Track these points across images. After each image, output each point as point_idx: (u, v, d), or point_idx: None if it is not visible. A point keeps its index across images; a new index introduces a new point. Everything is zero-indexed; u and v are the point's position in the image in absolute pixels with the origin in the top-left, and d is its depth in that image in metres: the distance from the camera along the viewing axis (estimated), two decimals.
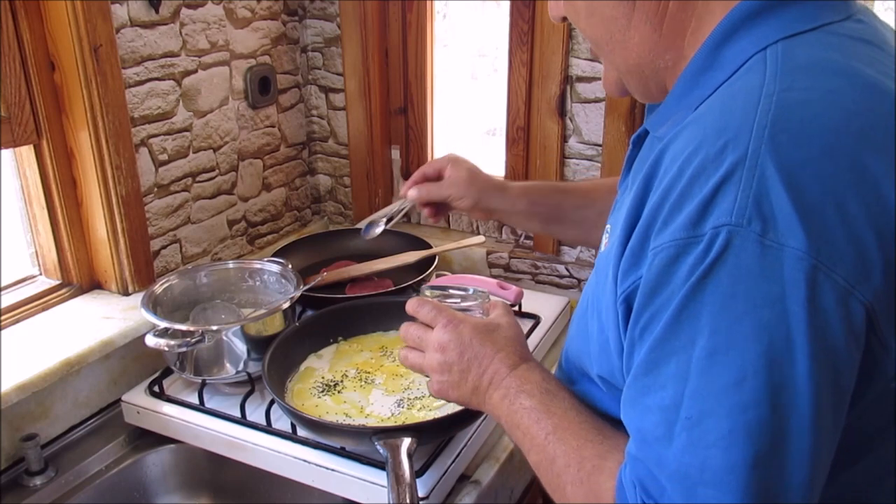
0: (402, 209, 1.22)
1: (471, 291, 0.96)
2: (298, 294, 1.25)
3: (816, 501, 0.56)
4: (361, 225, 1.29)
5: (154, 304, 1.22)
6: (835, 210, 0.53)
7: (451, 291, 0.96)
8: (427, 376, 0.88)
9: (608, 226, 0.75)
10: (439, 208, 1.17)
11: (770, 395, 0.53)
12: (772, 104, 0.56)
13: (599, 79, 1.46)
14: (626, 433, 0.65)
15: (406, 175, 1.77)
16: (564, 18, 0.76)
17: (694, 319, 0.55)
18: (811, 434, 0.53)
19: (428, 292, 0.95)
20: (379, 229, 1.25)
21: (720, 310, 0.54)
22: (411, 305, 0.90)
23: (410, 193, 1.15)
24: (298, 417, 1.06)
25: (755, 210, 0.53)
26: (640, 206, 0.61)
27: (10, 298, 1.28)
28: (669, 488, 0.57)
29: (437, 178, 1.15)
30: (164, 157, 1.41)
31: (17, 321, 1.26)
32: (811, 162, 0.53)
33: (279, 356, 1.18)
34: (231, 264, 1.37)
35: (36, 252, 1.34)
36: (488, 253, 1.65)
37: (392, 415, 1.11)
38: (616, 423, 0.71)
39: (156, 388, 1.23)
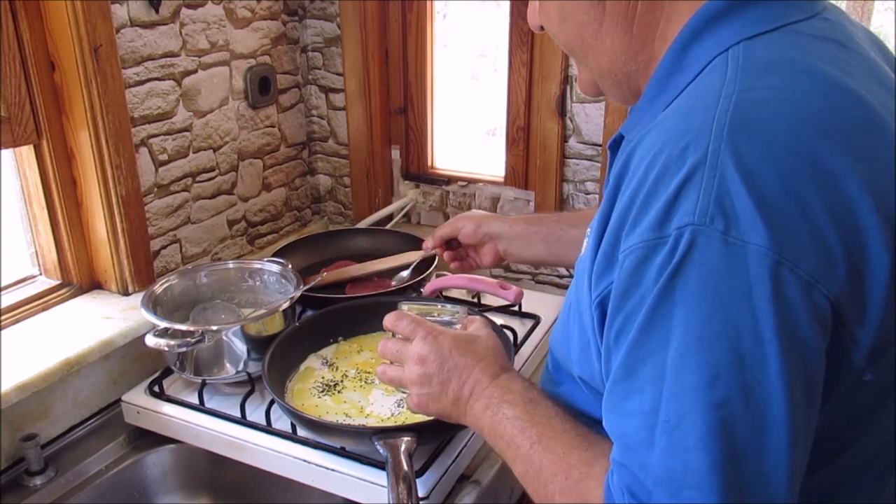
0: (418, 259, 1.42)
1: (448, 307, 0.96)
2: (298, 294, 1.25)
3: (797, 497, 0.56)
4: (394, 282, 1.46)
5: (154, 304, 1.22)
6: (795, 206, 0.53)
7: (429, 307, 0.96)
8: (405, 391, 0.88)
9: (588, 229, 0.75)
10: (457, 253, 1.28)
11: (742, 392, 0.53)
12: (730, 104, 0.56)
13: None
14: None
15: (406, 175, 1.77)
16: (542, 28, 0.76)
17: (665, 320, 0.55)
18: (787, 428, 0.53)
19: (405, 307, 0.94)
20: (406, 273, 1.45)
21: (689, 309, 0.54)
22: (389, 320, 0.90)
23: (426, 242, 1.31)
24: (298, 417, 1.06)
25: (717, 209, 0.53)
26: (610, 209, 0.62)
27: (10, 298, 1.28)
28: (656, 492, 0.57)
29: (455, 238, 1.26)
30: (164, 157, 1.41)
31: (17, 321, 1.26)
32: (770, 159, 0.54)
33: (279, 356, 1.18)
34: (231, 264, 1.37)
35: (36, 252, 1.34)
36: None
37: (392, 415, 1.11)
38: (600, 426, 0.71)
39: (156, 388, 1.23)
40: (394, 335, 0.91)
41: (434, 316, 0.93)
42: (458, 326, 0.91)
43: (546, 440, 0.72)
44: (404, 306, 0.95)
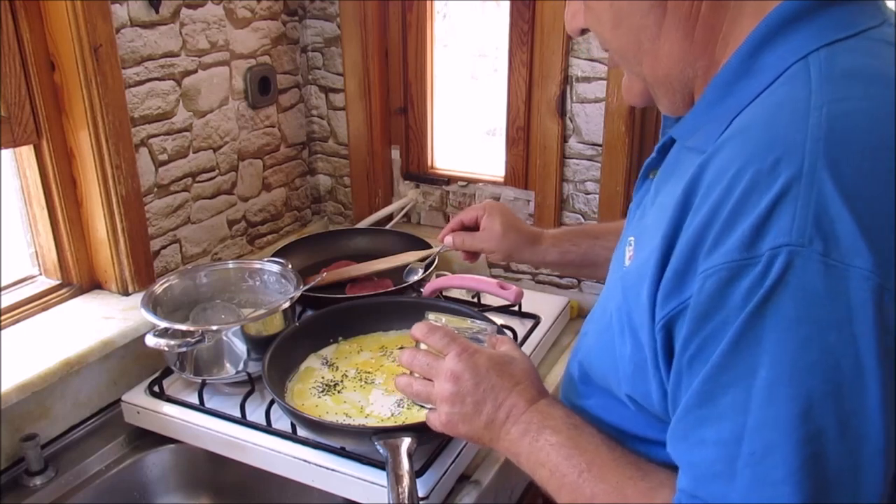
0: (437, 252, 1.40)
1: (478, 323, 0.92)
2: (298, 294, 1.25)
3: None
4: (405, 274, 1.48)
5: (154, 304, 1.22)
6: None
7: (456, 320, 0.91)
8: (428, 407, 0.85)
9: (630, 238, 0.71)
10: (474, 255, 1.24)
11: (838, 424, 0.51)
12: (822, 116, 0.53)
13: (600, 79, 1.46)
14: (664, 467, 0.64)
15: (406, 175, 1.77)
16: (583, 31, 0.73)
17: (754, 347, 0.53)
18: (882, 461, 0.51)
19: (432, 317, 0.90)
20: (417, 276, 1.44)
21: (783, 336, 0.51)
22: (420, 331, 0.85)
23: (446, 241, 1.22)
24: (298, 417, 1.06)
25: (815, 229, 0.50)
26: (679, 224, 0.59)
27: (10, 298, 1.28)
28: None
29: (474, 225, 1.21)
30: (164, 157, 1.41)
31: (17, 321, 1.26)
32: (869, 176, 0.52)
33: (279, 356, 1.18)
34: (231, 264, 1.37)
35: (36, 252, 1.34)
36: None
37: (392, 415, 1.11)
38: (645, 444, 0.70)
39: (156, 388, 1.23)
40: (417, 344, 0.87)
41: (461, 330, 0.88)
42: (485, 344, 0.87)
43: (596, 468, 0.69)
44: (431, 316, 0.90)
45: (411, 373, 0.87)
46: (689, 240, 0.57)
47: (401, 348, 1.26)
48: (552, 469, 0.71)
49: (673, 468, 0.64)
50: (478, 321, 0.93)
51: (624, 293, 0.67)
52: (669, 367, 0.61)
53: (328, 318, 1.29)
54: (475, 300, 1.48)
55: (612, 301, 0.70)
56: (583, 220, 1.57)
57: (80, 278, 1.36)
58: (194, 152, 1.48)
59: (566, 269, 1.21)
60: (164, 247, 1.45)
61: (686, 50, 0.65)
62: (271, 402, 1.13)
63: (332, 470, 1.05)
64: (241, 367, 1.20)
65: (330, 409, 1.12)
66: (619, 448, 0.70)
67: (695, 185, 0.58)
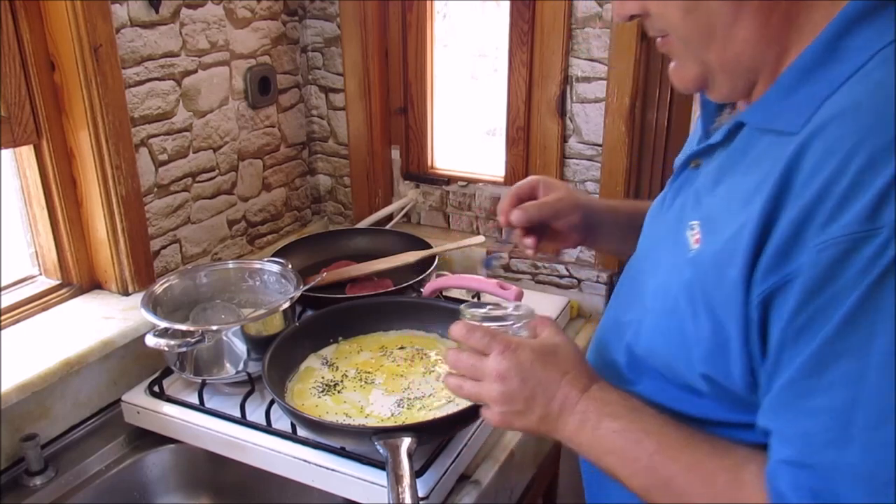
0: (508, 245, 1.08)
1: (511, 309, 0.88)
2: (298, 294, 1.25)
3: None
4: (486, 262, 1.35)
5: (154, 304, 1.22)
6: None
7: (491, 311, 0.88)
8: (482, 404, 0.82)
9: (693, 222, 0.71)
10: (540, 237, 1.02)
11: None
12: None
13: (600, 79, 1.46)
14: (739, 443, 0.65)
15: (406, 175, 1.77)
16: (632, 17, 0.72)
17: (872, 316, 0.54)
18: None
19: (468, 314, 0.87)
20: (501, 261, 1.32)
21: None
22: (459, 331, 0.82)
23: (514, 217, 0.98)
24: (298, 417, 1.06)
25: None
26: (778, 203, 0.60)
27: (10, 298, 1.28)
28: (849, 492, 0.56)
29: (532, 197, 1.01)
30: (164, 157, 1.41)
31: (17, 321, 1.26)
32: None
33: (279, 356, 1.18)
34: (231, 264, 1.37)
35: (36, 252, 1.34)
36: (488, 253, 1.64)
37: (392, 415, 1.11)
38: (707, 426, 0.70)
39: (156, 388, 1.23)
40: (459, 344, 0.84)
41: (500, 320, 0.85)
42: (526, 333, 0.84)
43: (666, 449, 0.69)
44: (467, 314, 0.87)
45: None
46: (797, 216, 0.58)
47: (401, 348, 1.26)
48: (620, 455, 0.71)
49: (747, 445, 0.65)
50: (511, 308, 0.88)
51: (699, 276, 0.68)
52: (763, 341, 0.62)
53: (328, 318, 1.29)
54: (475, 300, 1.48)
55: (674, 285, 0.71)
56: None
57: (80, 278, 1.36)
58: (194, 152, 1.48)
59: (636, 234, 0.99)
60: (164, 247, 1.45)
61: (762, 36, 0.66)
62: (271, 402, 1.13)
63: (332, 470, 1.05)
64: (241, 367, 1.20)
65: (330, 409, 1.12)
66: (686, 427, 0.70)
67: (794, 164, 0.60)
